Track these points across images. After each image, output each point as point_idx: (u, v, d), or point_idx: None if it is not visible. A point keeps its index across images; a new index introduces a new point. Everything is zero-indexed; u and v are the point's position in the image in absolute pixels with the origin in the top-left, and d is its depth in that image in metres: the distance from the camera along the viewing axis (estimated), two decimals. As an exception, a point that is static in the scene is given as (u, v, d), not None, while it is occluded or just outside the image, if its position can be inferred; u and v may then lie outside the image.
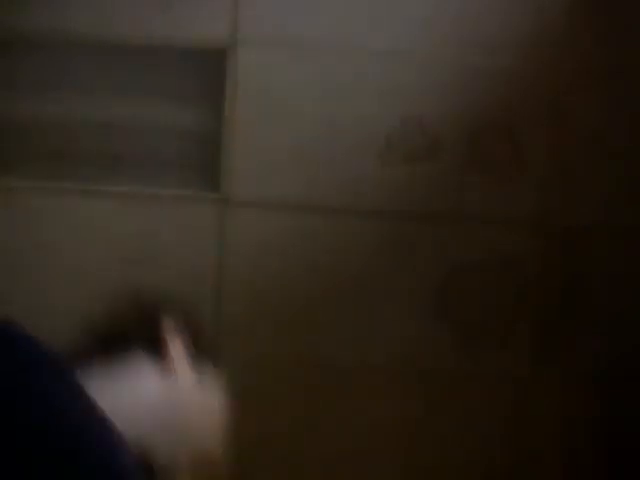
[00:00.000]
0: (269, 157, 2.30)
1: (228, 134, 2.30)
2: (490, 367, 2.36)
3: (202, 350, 1.01)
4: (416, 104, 2.30)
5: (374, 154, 2.31)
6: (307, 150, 2.30)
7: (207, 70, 2.31)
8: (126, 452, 0.75)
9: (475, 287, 2.35)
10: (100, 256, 2.30)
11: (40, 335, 2.34)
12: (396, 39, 2.30)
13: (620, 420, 2.39)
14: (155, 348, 0.96)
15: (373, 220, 2.32)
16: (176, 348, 0.97)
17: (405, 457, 2.37)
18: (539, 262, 2.35)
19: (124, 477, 0.71)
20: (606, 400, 2.38)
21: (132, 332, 0.97)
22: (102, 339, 0.97)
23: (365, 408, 2.36)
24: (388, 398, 2.35)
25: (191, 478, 0.92)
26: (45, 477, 0.67)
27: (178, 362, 0.95)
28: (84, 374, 0.85)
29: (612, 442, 2.40)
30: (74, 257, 2.30)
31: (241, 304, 2.32)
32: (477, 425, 2.38)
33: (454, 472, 2.38)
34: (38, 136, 2.30)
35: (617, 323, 2.37)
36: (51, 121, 2.30)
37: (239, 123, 2.30)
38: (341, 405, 2.35)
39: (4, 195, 2.29)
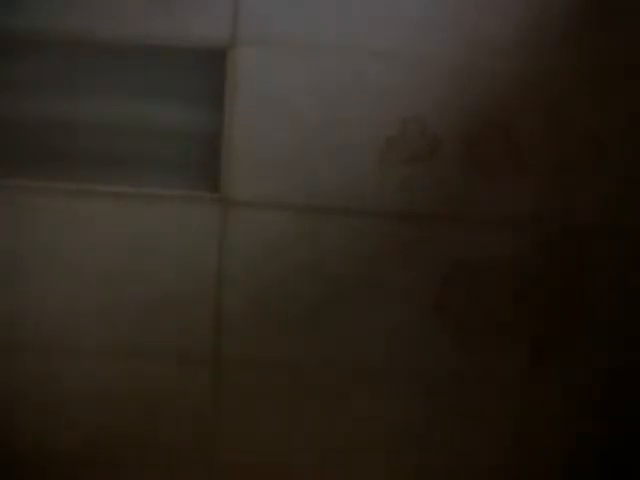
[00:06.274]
0: (269, 157, 2.30)
1: (228, 134, 2.30)
2: (490, 367, 2.36)
3: None
4: (416, 104, 2.31)
5: (374, 154, 2.31)
6: (307, 150, 2.30)
7: (207, 70, 2.31)
8: None
9: (475, 287, 2.35)
10: (100, 256, 2.30)
11: (38, 333, 2.33)
12: (396, 39, 2.30)
13: (620, 420, 2.39)
14: None
15: (373, 220, 2.32)
16: None
17: (405, 457, 2.38)
18: (539, 262, 2.35)
19: None
20: (606, 400, 2.38)
21: None
22: None
23: (365, 408, 2.36)
24: (388, 398, 2.35)
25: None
26: None
27: None
28: None
29: (612, 442, 2.40)
30: (74, 257, 2.30)
31: (241, 304, 2.32)
32: (477, 425, 2.38)
33: (454, 471, 2.38)
34: (38, 136, 2.30)
35: (617, 323, 2.37)
36: (51, 121, 2.30)
37: (239, 123, 2.30)
38: (341, 405, 2.35)
39: (4, 195, 2.29)
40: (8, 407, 2.33)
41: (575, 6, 2.31)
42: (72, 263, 2.30)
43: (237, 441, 2.36)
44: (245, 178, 2.31)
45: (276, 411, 2.35)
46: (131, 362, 2.32)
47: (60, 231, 2.29)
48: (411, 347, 2.35)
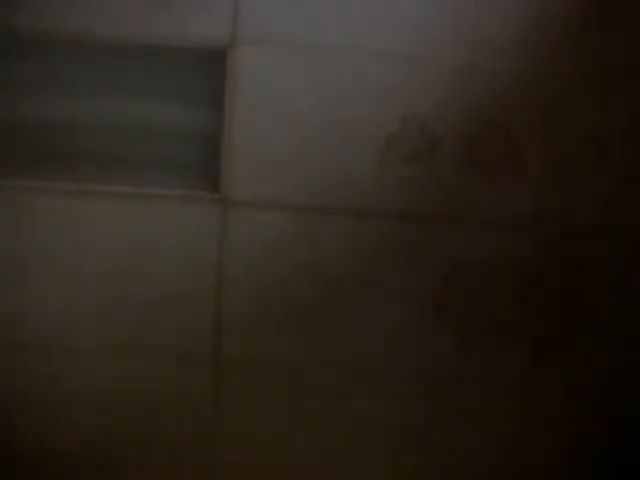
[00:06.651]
0: (269, 157, 2.30)
1: (228, 134, 2.30)
2: (490, 367, 2.36)
3: None
4: (416, 104, 2.31)
5: (374, 154, 2.31)
6: (307, 150, 2.30)
7: (207, 70, 2.31)
8: None
9: (475, 287, 2.35)
10: (100, 256, 2.30)
11: (38, 333, 2.33)
12: (396, 39, 2.30)
13: (620, 420, 2.39)
14: None
15: (373, 220, 2.32)
16: None
17: (405, 457, 2.38)
18: (539, 262, 2.35)
19: None
20: (606, 400, 2.38)
21: None
22: None
23: (365, 408, 2.36)
24: (388, 398, 2.35)
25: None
26: None
27: None
28: None
29: (612, 442, 2.40)
30: (74, 257, 2.30)
31: (241, 304, 2.32)
32: (477, 425, 2.38)
33: (454, 471, 2.38)
34: (38, 136, 2.30)
35: (617, 323, 2.37)
36: (51, 121, 2.30)
37: (239, 123, 2.30)
38: (341, 405, 2.35)
39: (4, 195, 2.29)
40: (8, 407, 2.33)
41: (575, 6, 2.31)
42: (72, 263, 2.30)
43: (237, 441, 2.36)
44: (245, 178, 2.31)
45: (276, 411, 2.35)
46: (131, 362, 2.32)
47: (60, 231, 2.30)
48: (411, 347, 2.35)
